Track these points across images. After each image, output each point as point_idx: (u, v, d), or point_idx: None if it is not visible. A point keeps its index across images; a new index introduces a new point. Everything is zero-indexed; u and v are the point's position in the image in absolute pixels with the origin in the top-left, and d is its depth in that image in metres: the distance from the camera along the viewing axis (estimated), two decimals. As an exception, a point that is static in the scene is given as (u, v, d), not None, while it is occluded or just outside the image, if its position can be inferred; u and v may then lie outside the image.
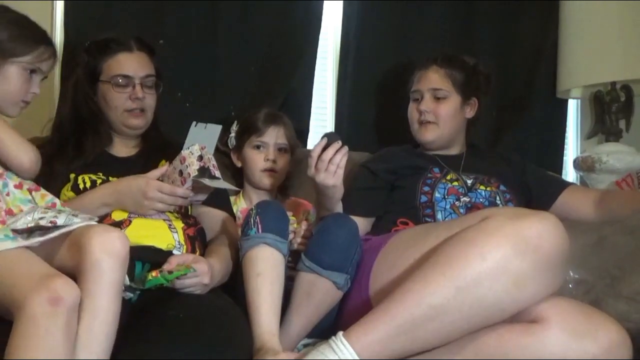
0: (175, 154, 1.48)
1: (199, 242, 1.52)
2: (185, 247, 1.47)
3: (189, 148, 1.45)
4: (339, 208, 1.60)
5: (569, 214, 1.74)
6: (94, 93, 1.65)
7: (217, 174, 1.47)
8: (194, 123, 1.49)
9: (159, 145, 1.69)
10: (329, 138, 1.48)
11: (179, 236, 1.48)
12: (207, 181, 1.44)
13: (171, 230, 1.47)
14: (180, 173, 1.45)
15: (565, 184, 1.87)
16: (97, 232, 1.14)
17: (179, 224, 1.51)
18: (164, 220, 1.49)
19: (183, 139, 1.50)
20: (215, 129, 1.52)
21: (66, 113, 1.67)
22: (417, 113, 1.84)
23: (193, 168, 1.43)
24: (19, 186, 1.33)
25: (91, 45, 1.67)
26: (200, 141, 1.47)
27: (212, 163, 1.47)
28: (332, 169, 1.47)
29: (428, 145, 1.85)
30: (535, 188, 1.84)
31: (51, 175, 1.51)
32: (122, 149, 1.69)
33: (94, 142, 1.63)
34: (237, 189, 1.84)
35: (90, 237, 1.13)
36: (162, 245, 1.44)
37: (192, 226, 1.54)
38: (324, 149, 1.47)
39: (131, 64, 1.63)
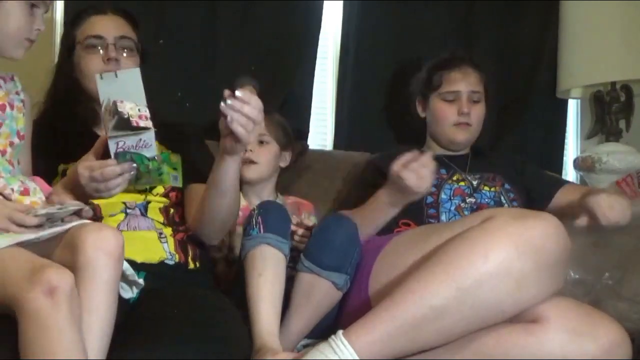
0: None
1: (191, 245, 1.49)
2: (177, 255, 1.44)
3: (102, 107, 1.24)
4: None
5: (564, 213, 1.74)
6: (72, 67, 1.55)
7: (144, 123, 1.22)
8: (97, 76, 1.27)
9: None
10: None
11: (169, 246, 1.44)
12: (120, 137, 1.22)
13: (161, 241, 1.44)
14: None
15: (561, 183, 1.86)
16: (91, 230, 1.13)
17: (168, 231, 1.48)
18: (154, 230, 1.46)
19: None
20: (131, 75, 1.27)
21: (47, 100, 1.58)
22: (453, 114, 1.83)
23: (109, 126, 1.22)
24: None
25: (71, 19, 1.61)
26: (115, 94, 1.23)
27: (137, 114, 1.23)
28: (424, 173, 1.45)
29: (456, 147, 1.86)
30: (533, 187, 1.83)
31: (39, 169, 1.44)
32: None
33: (75, 124, 1.54)
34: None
35: (84, 235, 1.12)
36: (154, 258, 1.41)
37: (183, 232, 1.50)
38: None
39: (103, 25, 1.55)
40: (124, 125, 1.21)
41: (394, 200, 1.52)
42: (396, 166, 1.46)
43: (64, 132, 1.53)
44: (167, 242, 1.45)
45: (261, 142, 1.84)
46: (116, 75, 1.26)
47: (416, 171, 1.44)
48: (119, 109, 1.20)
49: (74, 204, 1.23)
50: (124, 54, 1.55)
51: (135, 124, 1.21)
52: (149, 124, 1.23)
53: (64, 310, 1.01)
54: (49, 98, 1.59)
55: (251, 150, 1.81)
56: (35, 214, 1.18)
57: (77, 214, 1.23)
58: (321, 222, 1.51)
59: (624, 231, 1.58)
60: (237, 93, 1.23)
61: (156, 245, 1.43)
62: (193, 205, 1.51)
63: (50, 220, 1.20)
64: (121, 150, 1.23)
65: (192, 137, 1.71)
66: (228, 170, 1.34)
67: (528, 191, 1.82)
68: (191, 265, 1.46)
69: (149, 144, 1.25)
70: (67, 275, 1.05)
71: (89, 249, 1.10)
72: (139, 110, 1.23)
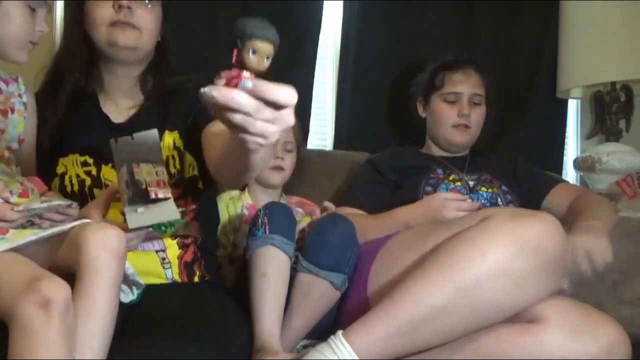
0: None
1: (199, 262, 1.43)
2: (180, 280, 1.40)
3: (117, 173, 1.19)
4: None
5: (554, 213, 1.73)
6: (81, 18, 1.42)
7: (162, 193, 1.16)
8: (112, 140, 1.19)
9: (167, 94, 1.30)
10: None
11: (173, 272, 1.39)
12: (140, 214, 1.16)
13: (164, 267, 1.39)
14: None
15: (554, 183, 1.84)
16: (93, 230, 1.12)
17: (173, 253, 1.40)
18: (157, 251, 1.40)
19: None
20: (148, 136, 1.17)
21: (53, 61, 1.47)
22: (453, 115, 1.84)
23: (125, 198, 1.17)
24: None
25: None
26: (131, 157, 1.17)
27: (155, 179, 1.16)
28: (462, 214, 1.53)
29: (454, 148, 1.87)
30: (525, 185, 1.83)
31: (41, 168, 1.38)
32: (121, 101, 1.46)
33: (78, 82, 1.43)
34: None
35: (87, 234, 1.11)
36: (154, 282, 1.36)
37: (192, 244, 1.44)
38: None
39: None
40: (142, 198, 1.16)
41: (415, 221, 1.56)
42: (443, 195, 1.57)
43: (66, 94, 1.44)
44: (170, 267, 1.40)
45: (287, 148, 1.84)
46: (132, 138, 1.17)
47: (460, 210, 1.53)
48: (136, 178, 1.14)
49: (58, 201, 1.22)
50: (139, 4, 1.41)
51: (154, 196, 1.15)
52: (167, 192, 1.17)
53: (56, 323, 1.00)
54: (54, 58, 1.48)
55: (282, 158, 1.81)
56: (17, 209, 1.17)
57: (63, 211, 1.21)
58: (318, 223, 1.50)
59: (622, 235, 1.57)
60: (208, 90, 0.77)
61: (158, 270, 1.39)
62: (213, 149, 1.28)
63: (34, 215, 1.19)
64: (140, 225, 1.19)
65: (190, 95, 1.46)
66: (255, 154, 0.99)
67: (520, 188, 1.82)
68: (196, 280, 1.43)
69: (168, 213, 1.18)
70: (63, 288, 1.03)
71: (92, 248, 1.10)
72: (156, 173, 1.16)
